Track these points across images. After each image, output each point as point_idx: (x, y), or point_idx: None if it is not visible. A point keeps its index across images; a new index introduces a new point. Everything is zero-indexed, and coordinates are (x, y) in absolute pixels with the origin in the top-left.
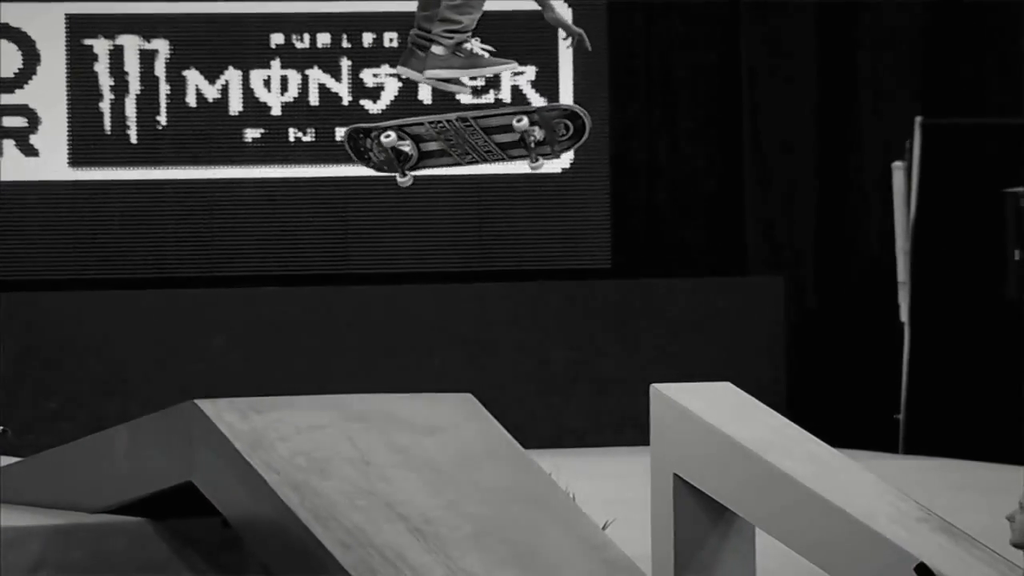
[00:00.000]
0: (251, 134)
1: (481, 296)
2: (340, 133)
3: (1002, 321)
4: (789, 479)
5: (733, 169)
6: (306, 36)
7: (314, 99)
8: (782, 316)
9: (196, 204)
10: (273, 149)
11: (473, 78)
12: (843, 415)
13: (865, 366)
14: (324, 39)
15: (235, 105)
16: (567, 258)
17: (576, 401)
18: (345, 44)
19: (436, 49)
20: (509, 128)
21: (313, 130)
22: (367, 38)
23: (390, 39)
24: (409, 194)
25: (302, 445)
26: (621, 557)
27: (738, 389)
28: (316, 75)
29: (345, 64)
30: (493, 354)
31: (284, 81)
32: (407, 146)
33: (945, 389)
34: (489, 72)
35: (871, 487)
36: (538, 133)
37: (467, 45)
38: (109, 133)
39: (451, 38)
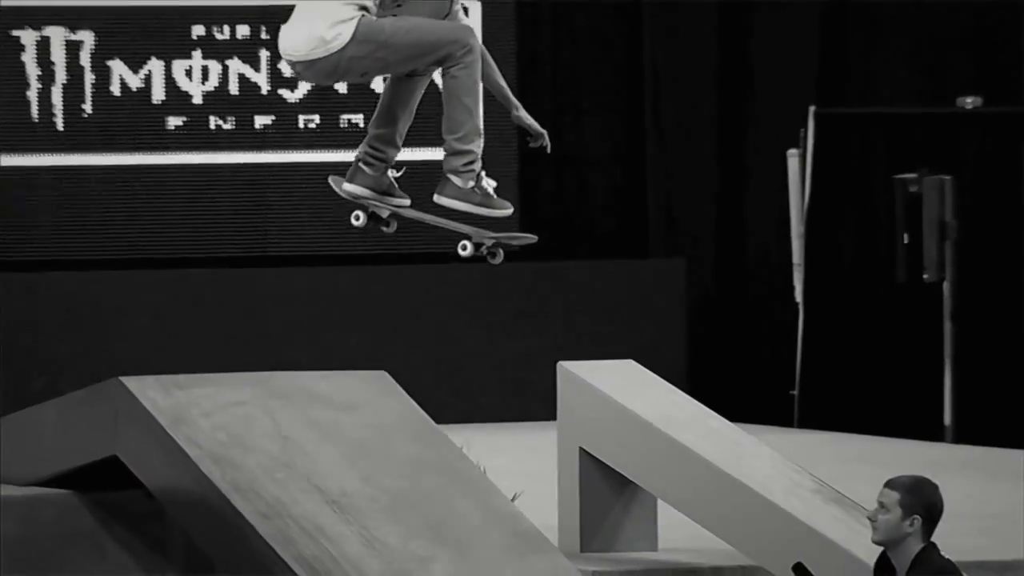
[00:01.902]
0: (173, 122)
1: (396, 278)
2: (259, 121)
3: (891, 302)
4: (689, 452)
5: (636, 157)
6: (226, 28)
7: (234, 88)
8: (683, 297)
9: (121, 189)
10: (195, 137)
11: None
12: (741, 391)
13: (761, 344)
14: (243, 31)
15: (158, 94)
16: None
17: (486, 378)
18: (263, 36)
19: (456, 180)
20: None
21: (233, 118)
22: None
23: None
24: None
25: (223, 420)
26: (529, 527)
27: (641, 366)
28: (236, 65)
29: (264, 55)
30: (407, 333)
31: (205, 71)
32: (383, 213)
33: (837, 367)
34: (499, 215)
35: (767, 460)
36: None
37: (483, 182)
38: (36, 121)
39: (471, 171)
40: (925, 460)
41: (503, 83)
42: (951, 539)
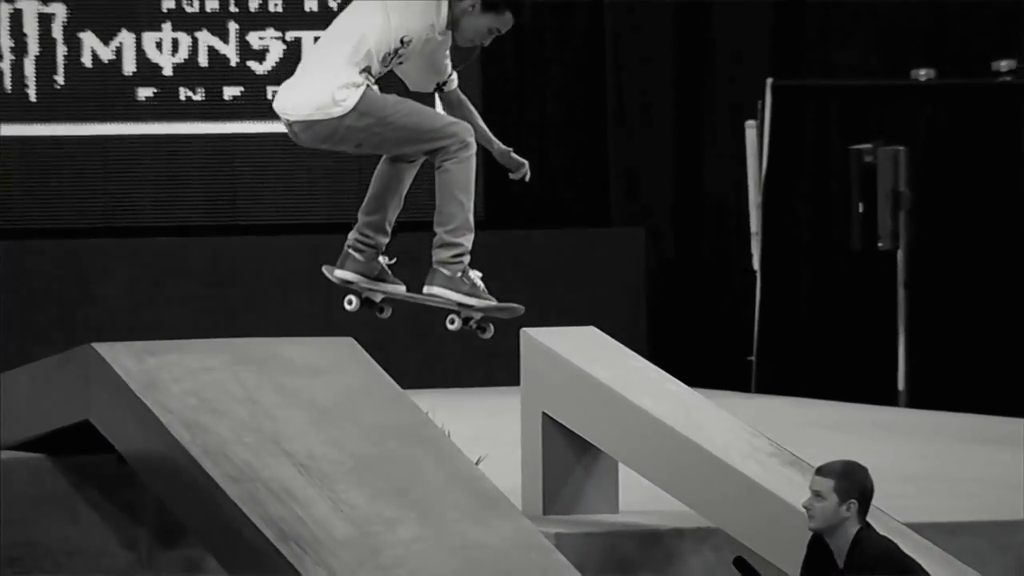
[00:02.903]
0: (144, 93)
1: None
2: (228, 93)
3: (846, 270)
4: (650, 417)
5: (598, 127)
6: (195, 1)
7: (203, 60)
8: (643, 265)
9: (92, 159)
10: (165, 107)
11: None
12: (699, 357)
13: (719, 311)
14: (212, 4)
15: (129, 66)
16: None
17: (450, 344)
18: (232, 8)
19: (444, 271)
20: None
21: (203, 89)
22: (253, 3)
23: (274, 3)
24: (293, 150)
25: (193, 386)
26: (493, 490)
27: (602, 333)
28: (205, 38)
29: (233, 27)
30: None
31: (175, 43)
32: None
33: (794, 333)
34: (485, 305)
35: (726, 424)
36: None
37: (471, 273)
38: (10, 91)
39: (459, 263)
40: (879, 424)
41: (483, 125)
42: (903, 501)
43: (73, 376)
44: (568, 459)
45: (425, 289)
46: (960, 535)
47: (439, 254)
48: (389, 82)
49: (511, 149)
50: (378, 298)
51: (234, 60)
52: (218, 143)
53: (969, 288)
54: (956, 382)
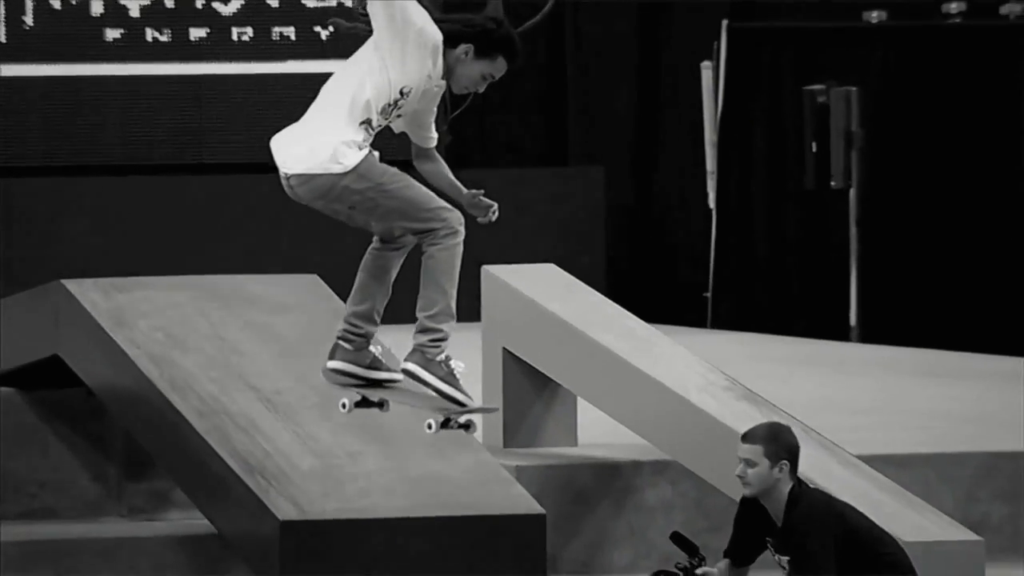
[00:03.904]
0: (112, 34)
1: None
2: (194, 34)
3: (800, 208)
4: (608, 352)
5: (557, 68)
6: None
7: (170, 2)
8: (602, 203)
9: (60, 99)
10: (132, 48)
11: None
12: (656, 293)
13: (676, 248)
14: None
15: (96, 7)
16: (405, 151)
17: (412, 281)
18: None
19: (424, 352)
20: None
21: (169, 31)
22: None
23: None
24: (259, 89)
25: (161, 322)
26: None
27: (561, 270)
28: None
29: None
30: (337, 239)
31: None
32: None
33: (749, 270)
34: (457, 396)
35: (682, 359)
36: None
37: (452, 361)
38: None
39: (438, 347)
40: (831, 359)
41: (452, 177)
42: (855, 434)
43: (42, 312)
44: (528, 393)
45: (402, 363)
46: (910, 467)
47: (418, 338)
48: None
49: (480, 191)
50: (375, 398)
51: (200, 2)
52: (184, 83)
53: (919, 226)
54: (907, 318)
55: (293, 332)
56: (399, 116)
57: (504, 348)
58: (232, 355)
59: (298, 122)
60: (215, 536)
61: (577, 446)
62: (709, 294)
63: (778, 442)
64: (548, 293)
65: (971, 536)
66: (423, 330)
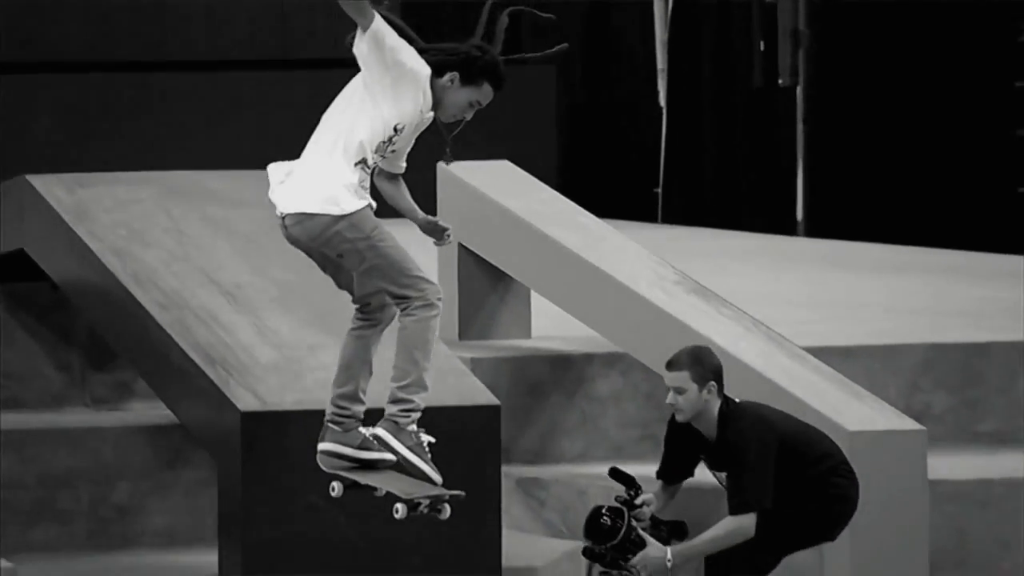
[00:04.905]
0: None
1: (287, 82)
2: None
3: (748, 106)
4: (560, 247)
5: None
6: None
7: None
8: (554, 102)
9: None
10: None
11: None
12: (608, 189)
13: (627, 145)
14: None
15: None
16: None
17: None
18: None
19: (394, 421)
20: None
21: None
22: None
23: None
24: None
25: (123, 216)
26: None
27: (515, 167)
28: None
29: None
30: (295, 134)
31: None
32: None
33: (698, 166)
34: (422, 467)
35: (633, 254)
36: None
37: (422, 436)
38: None
39: (408, 417)
40: (779, 253)
41: (411, 200)
42: (801, 326)
43: (7, 207)
44: (483, 287)
45: (370, 431)
46: (854, 358)
47: (390, 408)
48: None
49: (437, 219)
50: (364, 481)
51: None
52: None
53: (865, 123)
54: (852, 213)
55: (252, 227)
56: (393, 151)
57: (459, 243)
58: (193, 249)
59: (296, 161)
60: (177, 426)
61: (531, 338)
62: (659, 190)
63: (702, 364)
64: (502, 189)
65: (914, 426)
66: (394, 400)
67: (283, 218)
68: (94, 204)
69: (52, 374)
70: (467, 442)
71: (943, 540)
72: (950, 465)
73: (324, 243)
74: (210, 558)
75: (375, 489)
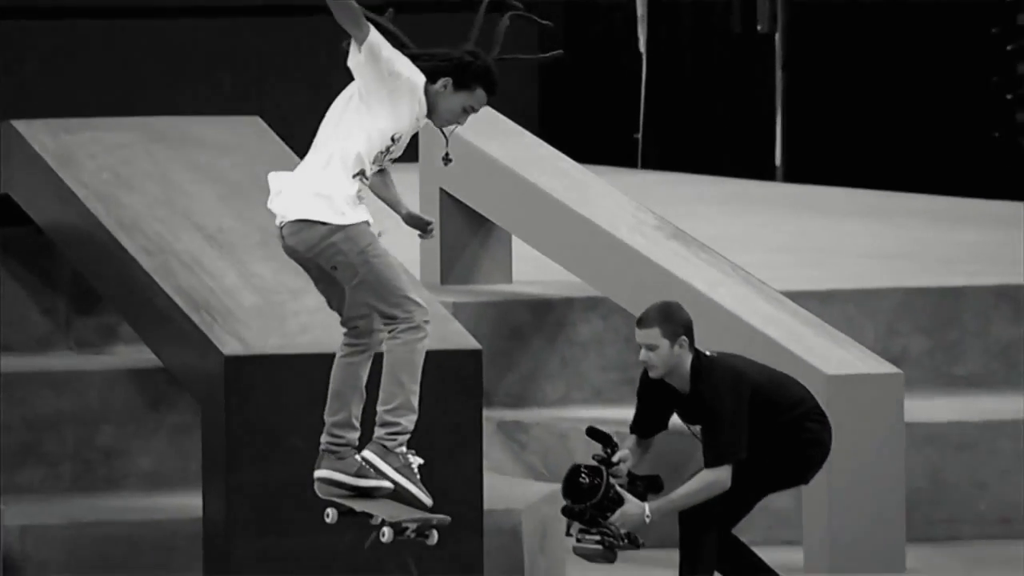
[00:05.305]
0: None
1: (271, 27)
2: None
3: (727, 52)
4: (541, 192)
5: None
6: None
7: None
8: (535, 47)
9: None
10: None
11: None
12: (588, 134)
13: (608, 92)
14: None
15: None
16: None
17: None
18: None
19: (382, 443)
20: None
21: None
22: None
23: None
24: None
25: (108, 162)
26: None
27: (497, 112)
28: None
29: None
30: (278, 80)
31: None
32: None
33: (678, 111)
34: (410, 489)
35: (613, 199)
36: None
37: (411, 458)
38: None
39: (395, 440)
40: (757, 198)
41: (397, 194)
42: (780, 271)
43: None
44: (464, 232)
45: (364, 455)
46: (832, 302)
47: (378, 431)
48: None
49: (420, 214)
50: (360, 508)
51: None
52: None
53: (843, 69)
54: (830, 158)
55: (236, 173)
56: (391, 160)
57: (441, 188)
58: (177, 195)
59: (294, 172)
60: (161, 370)
61: (512, 283)
62: (639, 136)
63: (673, 320)
64: (484, 135)
65: (891, 369)
66: (382, 424)
67: (281, 228)
68: (79, 149)
69: (37, 318)
70: (449, 386)
71: (919, 481)
72: (927, 408)
73: (319, 254)
74: (194, 500)
75: (371, 517)
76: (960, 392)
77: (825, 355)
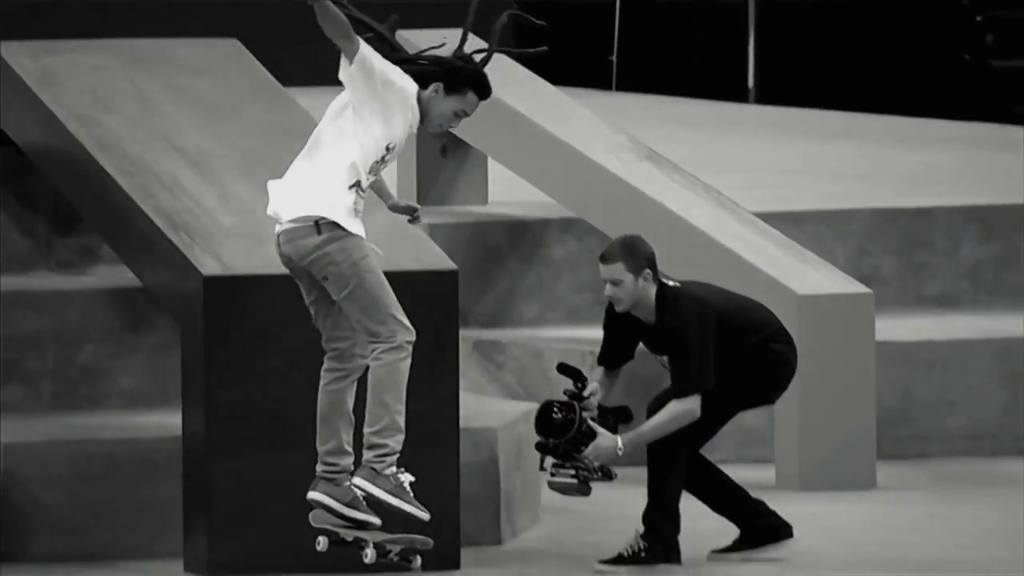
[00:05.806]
0: None
1: None
2: None
3: None
4: (517, 114)
5: None
6: None
7: None
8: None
9: None
10: None
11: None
12: (563, 57)
13: (582, 14)
14: None
15: None
16: None
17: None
18: None
19: (371, 466)
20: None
21: None
22: None
23: None
24: None
25: (88, 83)
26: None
27: (473, 35)
28: None
29: None
30: (258, 4)
31: None
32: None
33: (651, 34)
34: (405, 508)
35: (588, 121)
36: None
37: (401, 477)
38: None
39: (383, 461)
40: (730, 119)
41: (386, 185)
42: (753, 192)
43: None
44: (440, 155)
45: (351, 478)
46: (804, 223)
47: (366, 454)
48: None
49: (406, 203)
50: (350, 537)
51: None
52: None
53: None
54: (801, 80)
55: (215, 95)
56: (385, 168)
57: None
58: (156, 116)
59: (291, 178)
60: (141, 290)
61: (487, 204)
62: (614, 58)
63: (636, 254)
64: None
65: (862, 289)
66: (370, 446)
67: (279, 236)
68: (59, 71)
69: (18, 239)
70: (425, 306)
71: (890, 400)
72: (897, 327)
73: (313, 262)
74: (174, 419)
75: (362, 546)
76: (930, 311)
77: (797, 275)
